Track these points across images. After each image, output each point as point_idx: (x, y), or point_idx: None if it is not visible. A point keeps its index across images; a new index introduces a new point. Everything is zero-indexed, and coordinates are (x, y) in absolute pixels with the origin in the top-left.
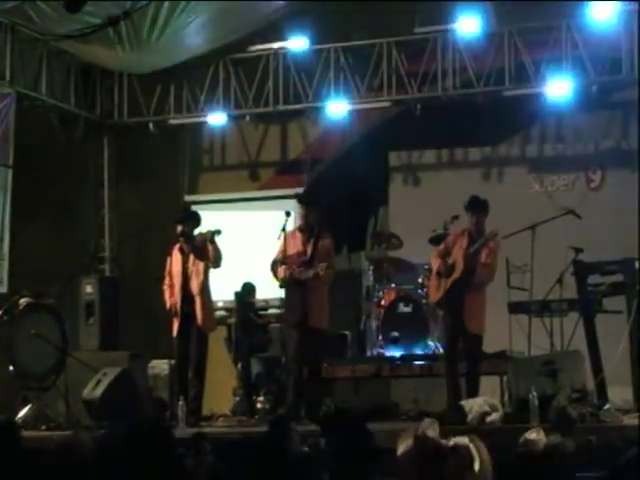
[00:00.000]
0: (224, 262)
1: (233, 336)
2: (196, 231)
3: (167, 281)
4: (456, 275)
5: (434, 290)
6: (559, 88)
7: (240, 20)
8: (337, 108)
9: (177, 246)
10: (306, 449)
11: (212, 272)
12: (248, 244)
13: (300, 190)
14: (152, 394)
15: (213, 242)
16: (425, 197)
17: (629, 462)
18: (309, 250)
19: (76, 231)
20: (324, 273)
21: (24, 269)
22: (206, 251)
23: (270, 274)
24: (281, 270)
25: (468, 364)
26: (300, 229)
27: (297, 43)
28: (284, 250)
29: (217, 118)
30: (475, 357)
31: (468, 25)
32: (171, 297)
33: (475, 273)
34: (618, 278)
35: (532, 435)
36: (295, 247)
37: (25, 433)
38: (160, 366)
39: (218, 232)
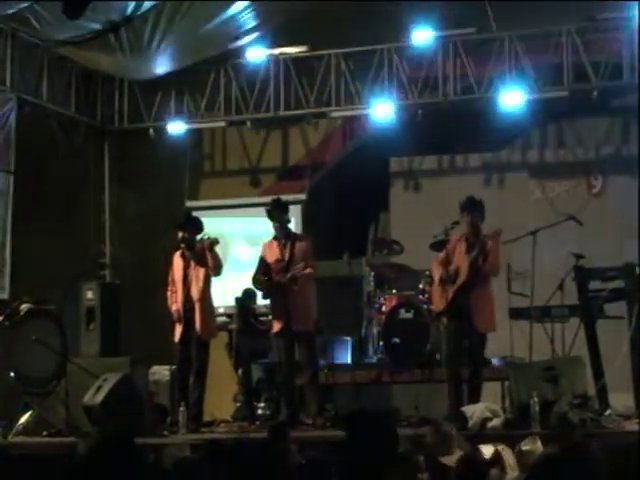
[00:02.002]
0: (225, 268)
1: (234, 342)
2: (198, 237)
3: (171, 287)
4: (461, 280)
5: (438, 299)
6: (559, 94)
7: (241, 26)
8: (338, 114)
9: (179, 252)
10: (303, 461)
11: (213, 278)
12: (249, 250)
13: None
14: (153, 400)
15: (211, 250)
16: (426, 203)
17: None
18: (286, 255)
19: (77, 237)
20: (302, 273)
21: (25, 275)
22: (205, 259)
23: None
24: (261, 278)
25: (471, 366)
26: (275, 238)
27: (298, 49)
28: (262, 261)
29: (217, 123)
30: (479, 358)
31: (467, 31)
32: (174, 303)
33: (480, 273)
34: (619, 284)
35: (527, 446)
36: (273, 255)
37: (26, 439)
38: (161, 372)
39: (215, 241)
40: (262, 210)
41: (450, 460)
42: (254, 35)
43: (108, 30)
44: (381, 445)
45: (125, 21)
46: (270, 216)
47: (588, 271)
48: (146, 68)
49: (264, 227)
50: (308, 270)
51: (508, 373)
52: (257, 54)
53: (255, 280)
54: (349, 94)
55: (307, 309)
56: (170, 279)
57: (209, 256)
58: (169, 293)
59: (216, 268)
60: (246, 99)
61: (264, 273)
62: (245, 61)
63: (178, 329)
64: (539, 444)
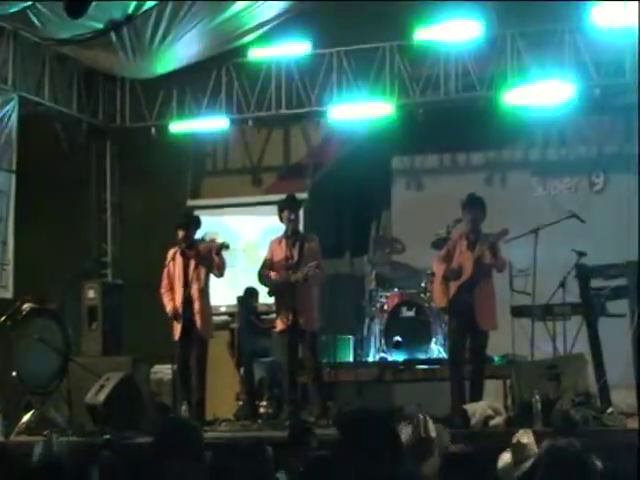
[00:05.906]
0: (227, 267)
1: (236, 341)
2: (197, 235)
3: (165, 284)
4: (464, 278)
5: (440, 295)
6: (562, 92)
7: (241, 25)
8: (340, 112)
9: (179, 250)
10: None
11: (215, 277)
12: (251, 249)
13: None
14: (155, 399)
15: (219, 254)
16: (428, 201)
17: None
18: (296, 254)
19: (78, 236)
20: (313, 273)
21: (27, 274)
22: (211, 260)
23: (260, 285)
24: (271, 275)
25: (473, 364)
26: (285, 235)
27: (300, 47)
28: (270, 258)
29: (219, 122)
30: (480, 356)
31: (470, 29)
32: (170, 301)
33: (484, 270)
34: (621, 282)
35: (524, 439)
36: (282, 253)
37: (28, 438)
38: (163, 371)
39: (226, 247)
40: (263, 209)
41: (426, 466)
42: (256, 34)
43: (110, 29)
44: (382, 447)
45: (127, 20)
46: (288, 207)
47: (590, 269)
48: (148, 67)
49: (265, 226)
50: (319, 271)
51: (510, 371)
52: (259, 53)
53: (261, 277)
54: (351, 93)
55: (313, 309)
56: (164, 276)
57: (216, 259)
58: (162, 290)
59: (221, 269)
60: (248, 98)
61: (270, 269)
62: (247, 60)
63: (177, 327)
64: (531, 438)
